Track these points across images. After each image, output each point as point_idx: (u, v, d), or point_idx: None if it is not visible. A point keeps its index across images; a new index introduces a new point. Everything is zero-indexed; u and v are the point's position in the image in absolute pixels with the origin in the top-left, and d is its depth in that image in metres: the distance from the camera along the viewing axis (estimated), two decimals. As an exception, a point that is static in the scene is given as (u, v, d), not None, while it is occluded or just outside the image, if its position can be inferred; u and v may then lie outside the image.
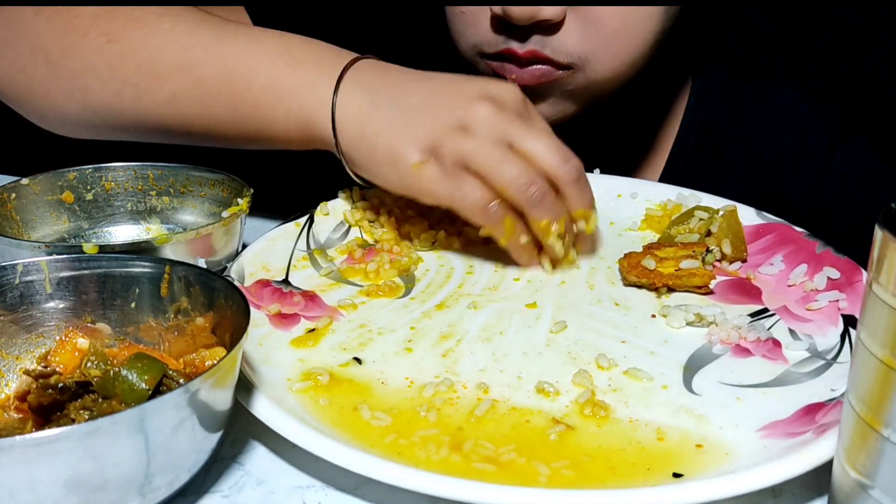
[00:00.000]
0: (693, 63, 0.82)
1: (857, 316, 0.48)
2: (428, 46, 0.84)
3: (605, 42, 0.68)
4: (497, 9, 0.66)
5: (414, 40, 0.85)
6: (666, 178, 0.82)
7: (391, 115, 0.60)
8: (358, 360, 0.53)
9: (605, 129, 0.82)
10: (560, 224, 0.60)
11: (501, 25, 0.68)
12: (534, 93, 0.71)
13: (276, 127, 0.63)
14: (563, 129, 0.77)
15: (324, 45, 0.64)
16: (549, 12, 0.65)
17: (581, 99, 0.72)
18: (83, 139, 0.71)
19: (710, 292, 0.61)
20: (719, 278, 0.62)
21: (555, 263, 0.63)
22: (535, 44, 0.68)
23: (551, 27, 0.67)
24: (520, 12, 0.65)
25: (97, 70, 0.65)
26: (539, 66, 0.69)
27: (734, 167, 0.80)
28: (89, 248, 0.53)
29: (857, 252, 0.60)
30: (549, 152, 0.59)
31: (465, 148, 0.57)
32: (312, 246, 0.65)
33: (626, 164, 0.84)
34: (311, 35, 0.65)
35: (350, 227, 0.68)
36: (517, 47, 0.68)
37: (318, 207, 0.68)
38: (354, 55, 0.63)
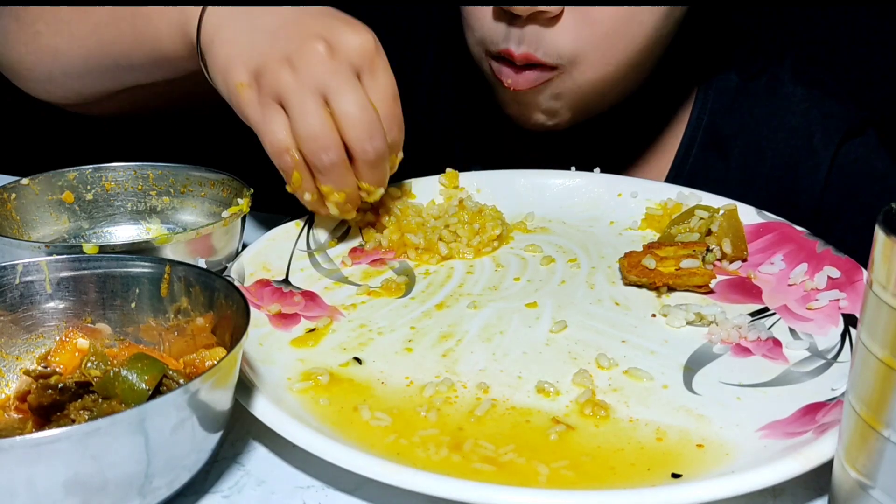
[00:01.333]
0: (700, 64, 0.82)
1: (857, 315, 0.48)
2: (439, 45, 0.84)
3: (596, 42, 0.69)
4: None
5: (422, 40, 0.85)
6: (672, 178, 0.82)
7: (242, 30, 0.60)
8: (358, 359, 0.53)
9: (610, 129, 0.82)
10: (341, 195, 0.59)
11: (502, 14, 0.69)
12: (528, 101, 0.72)
13: (165, 42, 0.65)
14: (567, 130, 0.77)
15: None
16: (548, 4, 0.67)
17: (572, 103, 0.73)
18: (82, 137, 0.71)
19: (711, 291, 0.61)
20: (719, 277, 0.62)
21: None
22: (530, 45, 0.69)
23: (549, 20, 0.68)
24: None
25: (45, 14, 0.72)
26: (531, 71, 0.70)
27: (741, 167, 0.80)
28: (89, 248, 0.52)
29: (858, 251, 0.60)
30: (358, 122, 0.57)
31: (281, 82, 0.56)
32: (313, 246, 0.65)
33: (632, 164, 0.84)
34: None
35: (350, 227, 0.68)
36: (514, 48, 0.69)
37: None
38: None
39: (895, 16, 0.80)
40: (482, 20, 0.71)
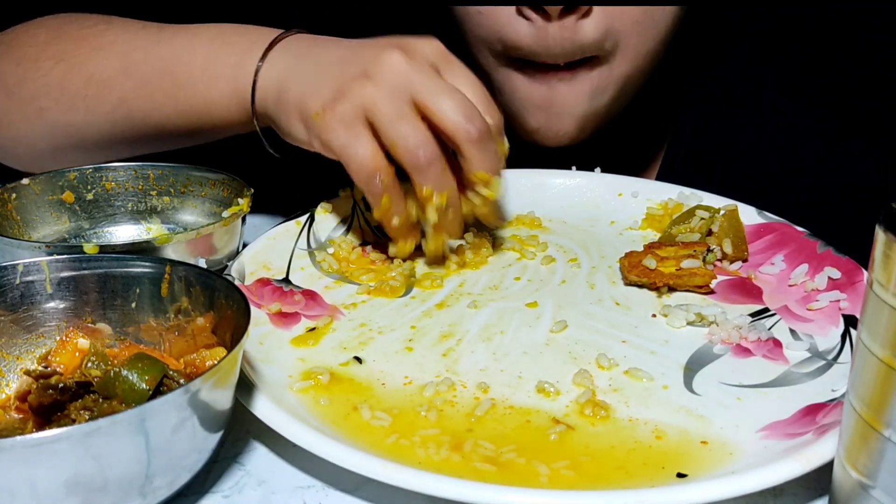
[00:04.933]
0: (684, 73, 0.82)
1: (857, 316, 0.48)
2: None
3: (627, 31, 0.68)
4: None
5: None
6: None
7: (307, 70, 0.59)
8: (358, 359, 0.53)
9: (596, 142, 0.82)
10: (441, 197, 0.57)
11: (527, 14, 0.68)
12: (563, 100, 0.71)
13: (217, 110, 0.64)
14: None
15: (256, 27, 0.65)
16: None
17: (610, 99, 0.73)
18: None
19: (711, 292, 0.60)
20: (720, 278, 0.62)
21: (431, 244, 0.61)
22: (564, 32, 0.67)
23: (579, 17, 0.67)
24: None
25: (50, 90, 0.67)
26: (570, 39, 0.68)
27: (725, 179, 0.80)
28: (90, 248, 0.52)
29: (858, 253, 0.60)
30: (453, 108, 0.55)
31: (364, 95, 0.55)
32: (313, 245, 0.65)
33: (626, 168, 0.84)
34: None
35: (350, 225, 0.68)
36: (549, 36, 0.67)
37: (319, 206, 0.68)
38: (284, 31, 0.63)
39: (879, 22, 0.79)
40: (497, 20, 0.69)
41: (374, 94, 0.55)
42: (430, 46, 0.58)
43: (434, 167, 0.56)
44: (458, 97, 0.56)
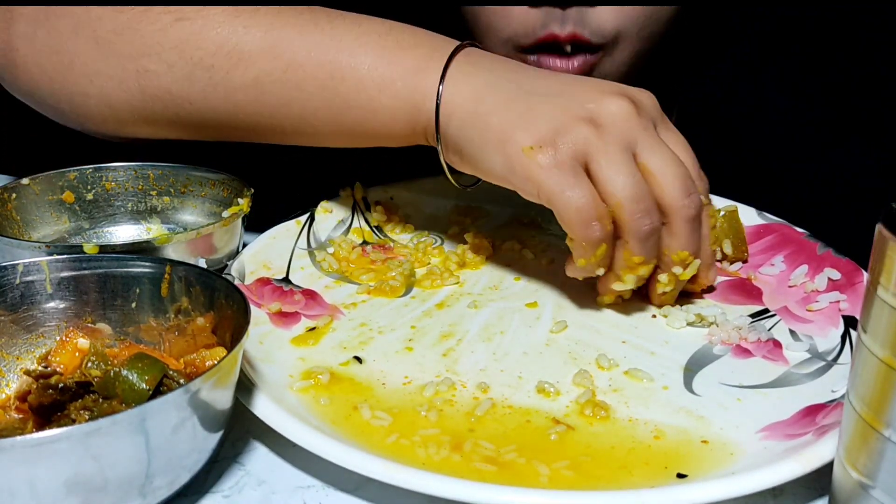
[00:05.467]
0: (681, 74, 0.82)
1: (857, 317, 0.48)
2: None
3: (635, 15, 0.68)
4: None
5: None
6: None
7: (512, 97, 0.54)
8: (358, 359, 0.53)
9: None
10: (649, 267, 0.54)
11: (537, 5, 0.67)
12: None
13: (380, 116, 0.57)
14: None
15: (427, 31, 0.59)
16: None
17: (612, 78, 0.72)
18: (83, 137, 0.70)
19: (711, 292, 0.61)
20: (720, 279, 0.62)
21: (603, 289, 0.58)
22: (576, 23, 0.66)
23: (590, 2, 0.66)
24: None
25: (161, 51, 0.58)
26: (580, 55, 0.67)
27: (726, 178, 0.80)
28: (90, 248, 0.52)
29: (858, 253, 0.60)
30: (675, 179, 0.53)
31: (589, 142, 0.51)
32: (313, 244, 0.65)
33: None
34: None
35: (350, 225, 0.68)
36: (558, 30, 0.66)
37: (319, 205, 0.68)
38: (459, 42, 0.58)
39: (879, 22, 0.80)
40: (508, 17, 0.69)
41: (598, 143, 0.52)
42: (650, 100, 0.56)
43: (654, 237, 0.53)
44: (681, 168, 0.53)
